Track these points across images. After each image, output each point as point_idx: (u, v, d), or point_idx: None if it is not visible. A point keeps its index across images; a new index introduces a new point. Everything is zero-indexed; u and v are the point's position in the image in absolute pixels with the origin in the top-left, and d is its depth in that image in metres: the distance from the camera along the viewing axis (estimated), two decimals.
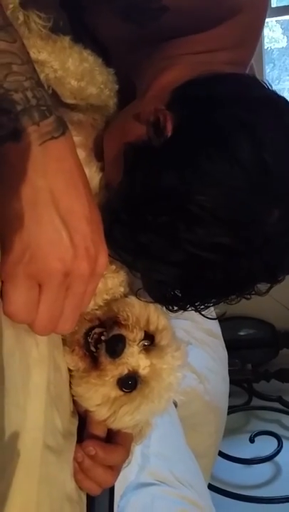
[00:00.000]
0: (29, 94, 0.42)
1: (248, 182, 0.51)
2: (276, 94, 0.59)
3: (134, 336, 0.57)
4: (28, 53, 0.44)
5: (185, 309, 0.61)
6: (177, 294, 0.59)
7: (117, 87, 0.68)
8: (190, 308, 0.61)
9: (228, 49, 0.63)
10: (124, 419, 0.56)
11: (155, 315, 0.60)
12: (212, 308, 0.71)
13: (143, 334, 0.57)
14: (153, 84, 0.62)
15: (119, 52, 0.66)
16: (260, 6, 0.63)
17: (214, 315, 0.77)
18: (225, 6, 0.59)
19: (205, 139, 0.53)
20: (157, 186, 0.53)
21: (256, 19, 0.63)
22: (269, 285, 0.59)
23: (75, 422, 0.57)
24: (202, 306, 0.61)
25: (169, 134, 0.55)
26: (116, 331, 0.56)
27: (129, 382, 0.56)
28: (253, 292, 0.59)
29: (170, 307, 0.61)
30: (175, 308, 0.61)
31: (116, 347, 0.55)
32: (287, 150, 0.53)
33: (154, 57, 0.64)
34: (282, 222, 0.53)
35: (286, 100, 0.58)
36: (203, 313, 0.62)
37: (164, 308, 0.61)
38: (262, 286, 0.59)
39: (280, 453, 1.62)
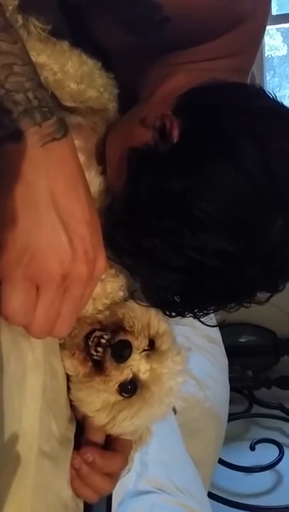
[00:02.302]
0: (30, 95, 0.42)
1: (253, 189, 0.51)
2: (281, 104, 0.59)
3: (139, 344, 0.56)
4: (28, 54, 0.44)
5: (183, 315, 0.61)
6: (176, 299, 0.58)
7: (116, 91, 0.68)
8: (188, 315, 0.60)
9: (230, 57, 0.63)
10: (123, 425, 0.55)
11: (156, 319, 0.59)
12: (212, 315, 0.71)
13: (147, 342, 0.57)
14: (157, 90, 0.63)
15: (121, 59, 0.66)
16: (262, 16, 0.63)
17: (215, 322, 0.77)
18: (228, 17, 0.59)
19: (211, 145, 0.53)
20: (162, 191, 0.53)
21: (258, 28, 0.64)
22: (269, 294, 0.59)
23: (73, 429, 0.56)
24: (201, 313, 0.60)
25: (175, 140, 0.55)
26: (122, 337, 0.55)
27: (129, 387, 0.55)
28: (253, 301, 0.59)
29: (168, 313, 0.60)
30: (173, 314, 0.60)
31: (123, 352, 0.54)
32: None
33: (157, 64, 0.64)
34: (286, 231, 0.53)
35: None
36: (202, 320, 0.62)
37: (162, 313, 0.61)
38: (262, 295, 0.59)
39: (281, 461, 1.60)
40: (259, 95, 0.60)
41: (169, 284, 0.56)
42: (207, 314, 0.62)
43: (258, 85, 0.67)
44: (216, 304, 0.60)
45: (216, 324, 0.77)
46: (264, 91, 0.60)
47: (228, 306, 0.59)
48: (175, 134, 0.55)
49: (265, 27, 0.65)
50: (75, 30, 0.65)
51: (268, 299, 0.59)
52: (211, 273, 0.53)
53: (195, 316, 0.61)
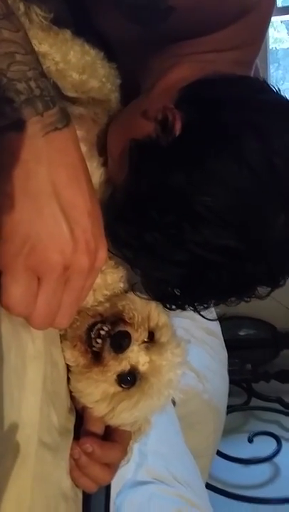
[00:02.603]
0: (33, 84, 0.41)
1: (256, 184, 0.51)
2: (285, 98, 0.59)
3: (138, 336, 0.56)
4: (31, 43, 0.43)
5: (183, 309, 0.61)
6: (177, 292, 0.58)
7: (119, 81, 0.67)
8: (189, 308, 0.60)
9: (235, 49, 0.62)
10: (122, 416, 0.56)
11: (156, 312, 0.60)
12: (213, 309, 0.71)
13: (147, 334, 0.57)
14: (160, 81, 0.62)
15: (124, 49, 0.66)
16: (267, 7, 0.63)
17: (215, 315, 0.77)
18: (233, 8, 0.59)
19: (213, 139, 0.53)
20: (164, 185, 0.53)
21: (263, 20, 0.63)
22: (270, 289, 0.59)
23: (72, 419, 0.57)
24: (201, 307, 0.61)
25: (178, 133, 0.54)
26: (121, 327, 0.55)
27: (128, 378, 0.56)
28: (253, 296, 0.59)
29: (168, 305, 0.60)
30: (173, 307, 0.61)
31: (122, 342, 0.55)
32: None
33: (161, 55, 0.63)
34: (288, 227, 0.52)
35: None
36: (202, 313, 0.62)
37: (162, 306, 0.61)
38: (262, 290, 0.59)
39: (279, 454, 1.62)
40: (262, 89, 0.59)
41: (169, 277, 0.56)
42: (207, 308, 0.62)
43: (262, 78, 0.66)
44: (217, 298, 0.60)
45: (216, 318, 0.77)
46: (267, 84, 0.60)
47: (228, 300, 0.59)
48: (177, 127, 0.54)
49: (270, 19, 0.65)
50: (77, 19, 0.65)
51: (268, 294, 0.59)
52: (211, 267, 0.53)
53: (195, 310, 0.61)
